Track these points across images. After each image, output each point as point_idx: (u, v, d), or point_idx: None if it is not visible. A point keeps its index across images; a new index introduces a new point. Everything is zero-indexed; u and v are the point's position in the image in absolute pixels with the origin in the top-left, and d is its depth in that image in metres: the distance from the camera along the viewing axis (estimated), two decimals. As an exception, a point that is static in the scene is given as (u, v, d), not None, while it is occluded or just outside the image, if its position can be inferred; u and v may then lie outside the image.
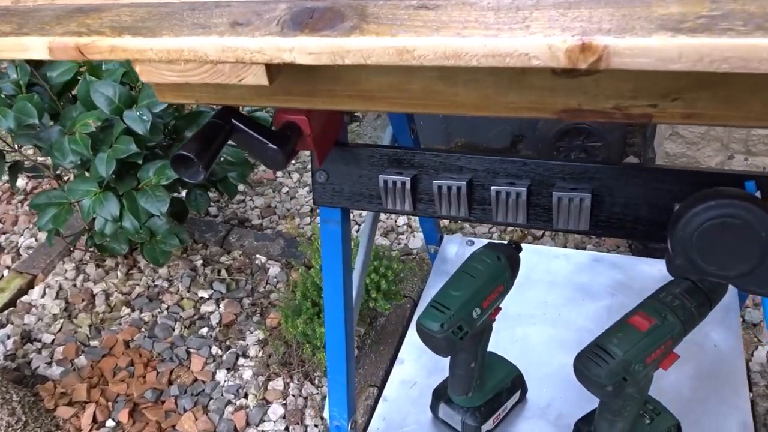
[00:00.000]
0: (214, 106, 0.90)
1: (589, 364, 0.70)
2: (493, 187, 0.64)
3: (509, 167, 0.64)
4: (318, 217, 1.72)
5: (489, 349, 0.86)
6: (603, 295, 1.09)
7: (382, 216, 1.90)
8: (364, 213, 1.83)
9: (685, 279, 0.75)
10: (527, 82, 0.46)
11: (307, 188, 2.06)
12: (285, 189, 2.06)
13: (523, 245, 1.18)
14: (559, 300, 1.10)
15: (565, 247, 1.69)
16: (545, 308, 1.09)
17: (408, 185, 0.68)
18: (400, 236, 1.81)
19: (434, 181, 0.66)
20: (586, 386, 0.72)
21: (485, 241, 1.29)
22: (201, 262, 1.75)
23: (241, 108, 0.65)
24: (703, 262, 0.54)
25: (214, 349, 1.50)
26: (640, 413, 0.80)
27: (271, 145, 0.61)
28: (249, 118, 0.63)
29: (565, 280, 1.13)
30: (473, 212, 0.68)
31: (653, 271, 1.12)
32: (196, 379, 1.44)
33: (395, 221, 1.87)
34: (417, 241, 1.77)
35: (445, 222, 1.84)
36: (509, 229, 1.78)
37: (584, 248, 1.71)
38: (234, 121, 0.62)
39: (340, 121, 0.70)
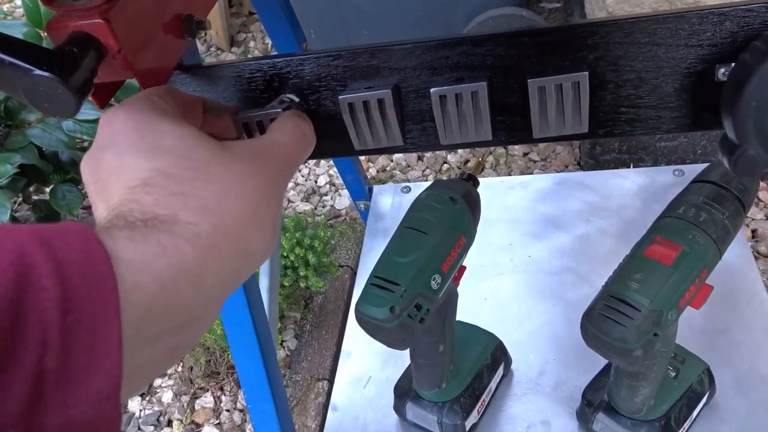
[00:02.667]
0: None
1: (605, 324, 0.49)
2: (433, 90, 0.41)
3: (454, 55, 0.41)
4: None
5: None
6: (576, 222, 0.89)
7: (299, 177, 1.64)
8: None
9: (705, 183, 0.54)
10: None
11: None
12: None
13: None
14: (526, 238, 0.89)
15: (509, 175, 1.50)
16: (511, 252, 0.88)
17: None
18: (324, 197, 1.56)
19: (341, 97, 0.42)
20: (603, 353, 0.51)
21: (423, 186, 1.06)
22: (90, 271, 1.44)
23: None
24: (794, 143, 0.33)
25: (122, 375, 1.22)
26: (663, 367, 0.61)
27: (38, 72, 0.34)
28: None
29: (527, 213, 0.92)
30: (409, 137, 0.44)
31: (627, 184, 0.93)
32: (103, 417, 1.17)
33: (315, 181, 1.61)
34: (344, 199, 1.53)
35: (372, 171, 1.60)
36: (444, 167, 1.57)
37: (530, 174, 1.52)
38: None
39: (178, 27, 0.44)
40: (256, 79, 0.44)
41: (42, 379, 0.18)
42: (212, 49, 2.20)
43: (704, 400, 0.64)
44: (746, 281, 0.77)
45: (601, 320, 0.49)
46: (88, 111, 1.17)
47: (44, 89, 0.34)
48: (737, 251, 0.80)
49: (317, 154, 0.47)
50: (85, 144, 1.34)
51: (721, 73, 0.37)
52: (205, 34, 1.95)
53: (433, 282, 0.54)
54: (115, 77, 0.40)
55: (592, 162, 1.46)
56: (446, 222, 0.55)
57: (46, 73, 0.34)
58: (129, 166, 0.28)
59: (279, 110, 0.42)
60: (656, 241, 0.52)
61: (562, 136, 0.41)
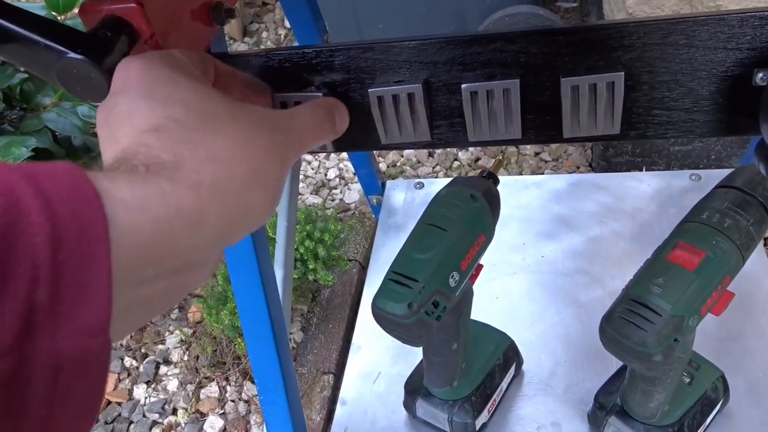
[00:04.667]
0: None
1: (626, 328, 0.49)
2: (464, 86, 0.40)
3: (486, 51, 0.40)
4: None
5: (469, 318, 0.64)
6: (590, 224, 0.89)
7: (309, 170, 1.64)
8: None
9: (730, 188, 0.54)
10: None
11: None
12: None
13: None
14: (540, 238, 0.89)
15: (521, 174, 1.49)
16: (524, 251, 0.88)
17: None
18: (333, 191, 1.56)
19: (370, 90, 0.41)
20: (622, 357, 0.51)
21: (436, 182, 1.06)
22: (98, 257, 1.44)
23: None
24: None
25: (128, 361, 1.23)
26: (677, 372, 0.61)
27: (72, 55, 0.34)
28: (30, 14, 0.36)
29: (541, 213, 0.92)
30: (437, 132, 0.44)
31: (643, 187, 0.92)
32: (108, 402, 1.17)
33: (325, 174, 1.61)
34: (354, 193, 1.53)
35: (382, 165, 1.60)
36: (455, 164, 1.56)
37: (541, 173, 1.51)
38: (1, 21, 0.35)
39: (206, 14, 0.44)
40: (285, 69, 0.44)
41: (33, 312, 0.18)
42: (225, 38, 2.19)
43: (718, 407, 0.63)
44: (762, 288, 0.76)
45: (622, 324, 0.49)
46: (102, 96, 1.16)
47: (77, 72, 0.34)
48: (753, 257, 0.79)
49: (343, 146, 0.46)
50: (97, 129, 1.34)
51: (760, 77, 0.36)
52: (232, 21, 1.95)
53: (451, 280, 0.54)
54: (143, 62, 0.40)
55: (604, 164, 1.45)
56: (466, 219, 0.55)
57: (79, 56, 0.34)
58: (142, 110, 0.28)
59: (318, 94, 0.42)
60: (679, 246, 0.51)
61: (593, 136, 0.41)
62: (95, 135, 1.33)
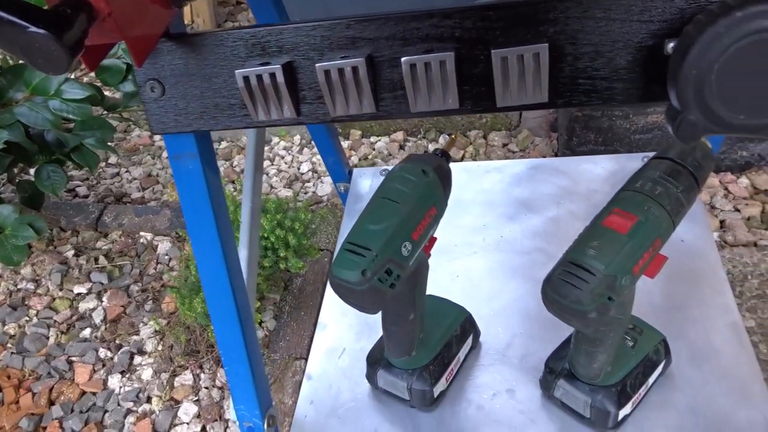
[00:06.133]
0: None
1: (564, 288, 0.52)
2: (404, 59, 0.43)
3: (425, 26, 0.43)
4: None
5: (427, 291, 0.67)
6: (547, 205, 0.93)
7: (282, 164, 1.66)
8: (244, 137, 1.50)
9: (663, 159, 0.58)
10: None
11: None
12: (166, 153, 1.77)
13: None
14: (499, 220, 0.92)
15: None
16: (484, 232, 0.91)
17: (280, 78, 0.45)
18: (306, 184, 1.58)
19: (317, 65, 0.44)
20: (562, 317, 0.55)
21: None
22: (72, 252, 1.45)
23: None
24: (727, 109, 0.36)
25: (102, 352, 1.24)
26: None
27: (34, 29, 0.36)
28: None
29: (502, 196, 0.96)
30: (382, 104, 0.47)
31: (597, 170, 0.96)
32: (83, 392, 1.18)
33: (298, 168, 1.64)
34: (326, 186, 1.56)
35: (354, 159, 1.63)
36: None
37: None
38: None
39: (163, -4, 0.46)
40: (238, 48, 0.47)
41: None
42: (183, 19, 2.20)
43: (660, 369, 0.67)
44: (706, 261, 0.81)
45: (560, 284, 0.53)
46: (74, 90, 1.18)
47: (39, 46, 0.37)
48: (698, 233, 0.84)
49: (297, 121, 0.49)
50: (71, 125, 1.35)
51: (670, 47, 0.40)
52: (191, 8, 1.95)
53: (404, 249, 0.57)
54: (105, 40, 0.42)
55: (569, 153, 1.49)
56: (418, 193, 0.58)
57: (41, 30, 0.36)
58: None
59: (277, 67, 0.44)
60: (614, 212, 0.55)
61: (523, 105, 0.44)
62: (68, 130, 1.34)
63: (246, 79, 0.46)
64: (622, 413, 0.64)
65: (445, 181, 0.61)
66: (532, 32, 0.42)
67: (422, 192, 0.59)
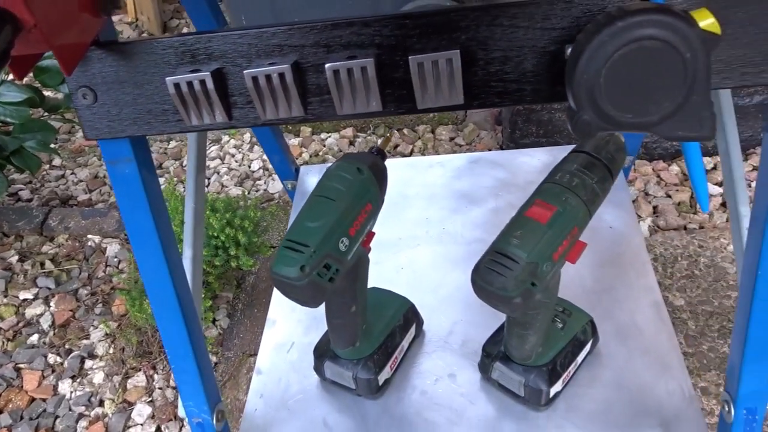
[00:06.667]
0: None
1: (489, 276, 0.56)
2: (327, 65, 0.46)
3: (346, 35, 0.46)
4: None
5: (370, 284, 0.70)
6: (487, 197, 0.97)
7: (233, 162, 1.66)
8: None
9: (580, 153, 0.62)
10: None
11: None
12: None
13: (395, 160, 1.02)
14: (441, 213, 0.96)
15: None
16: (427, 225, 0.95)
17: (210, 85, 0.47)
18: (257, 182, 1.59)
19: (245, 72, 0.46)
20: (490, 302, 0.58)
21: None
22: (16, 257, 1.43)
23: None
24: (616, 109, 0.40)
25: (52, 358, 1.23)
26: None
27: (-48, 43, 0.37)
28: None
29: (444, 189, 0.99)
30: (310, 108, 0.49)
31: (534, 162, 1.01)
32: (33, 399, 1.17)
33: (249, 166, 1.64)
34: (277, 183, 1.57)
35: (305, 155, 1.64)
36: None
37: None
38: None
39: (92, 5, 0.47)
40: (168, 55, 0.48)
41: None
42: (144, 35, 2.17)
43: (588, 348, 0.72)
44: (631, 246, 0.86)
45: (486, 272, 0.56)
46: (11, 93, 1.16)
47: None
48: (625, 219, 0.89)
49: (230, 125, 0.51)
50: (10, 128, 1.32)
51: (569, 52, 0.44)
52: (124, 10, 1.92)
53: (341, 244, 0.60)
54: (32, 50, 0.43)
55: (512, 146, 1.54)
56: (354, 190, 0.61)
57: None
58: None
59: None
60: (536, 203, 0.59)
61: (442, 106, 0.47)
62: (7, 133, 1.31)
63: (177, 86, 0.48)
64: (553, 390, 0.68)
65: (380, 177, 0.64)
66: (446, 39, 0.45)
67: (358, 189, 0.61)
